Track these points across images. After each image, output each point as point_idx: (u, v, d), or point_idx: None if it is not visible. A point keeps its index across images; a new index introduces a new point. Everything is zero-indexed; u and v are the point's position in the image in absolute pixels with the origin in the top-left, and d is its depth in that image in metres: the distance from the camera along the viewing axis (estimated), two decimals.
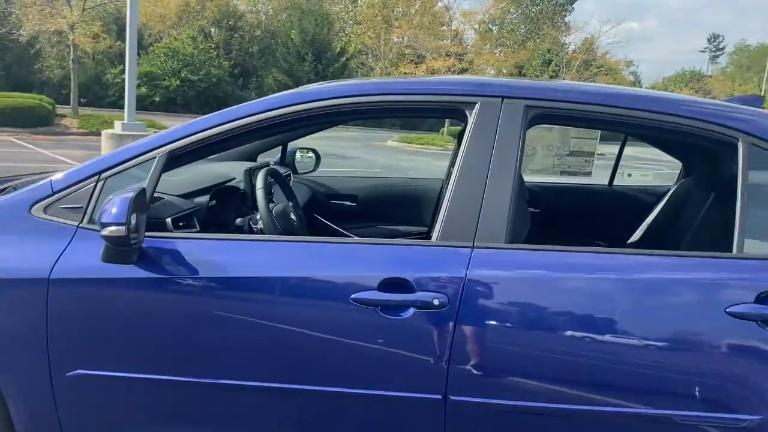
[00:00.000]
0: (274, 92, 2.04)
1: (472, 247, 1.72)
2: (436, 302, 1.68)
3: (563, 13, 41.65)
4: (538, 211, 3.08)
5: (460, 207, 1.77)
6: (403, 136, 24.55)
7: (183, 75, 29.31)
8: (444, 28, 31.01)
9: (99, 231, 1.65)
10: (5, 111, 16.29)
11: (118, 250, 1.69)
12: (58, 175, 1.92)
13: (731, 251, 1.73)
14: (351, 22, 37.28)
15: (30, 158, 11.71)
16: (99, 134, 12.75)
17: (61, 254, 1.79)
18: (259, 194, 2.10)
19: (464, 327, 1.68)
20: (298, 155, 3.58)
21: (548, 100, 1.85)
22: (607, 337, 1.67)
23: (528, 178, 2.92)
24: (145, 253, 1.77)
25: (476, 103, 1.85)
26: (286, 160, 3.49)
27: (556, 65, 34.38)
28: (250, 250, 1.82)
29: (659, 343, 1.67)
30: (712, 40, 61.88)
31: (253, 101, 1.94)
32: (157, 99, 28.88)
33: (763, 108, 1.94)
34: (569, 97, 1.86)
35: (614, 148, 3.64)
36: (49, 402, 1.82)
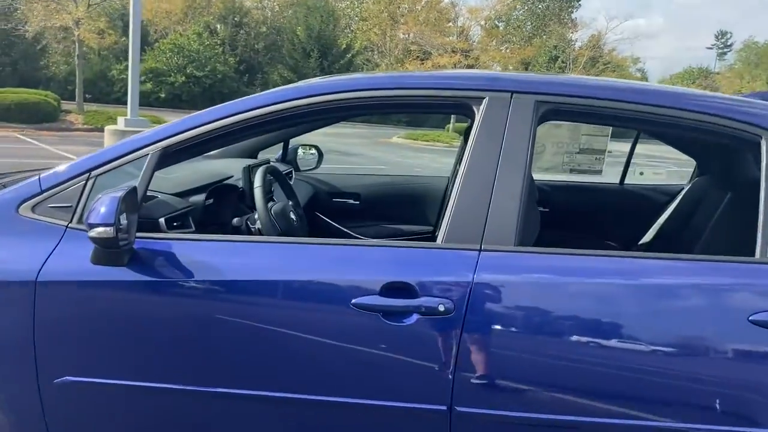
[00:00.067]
0: None
1: (480, 250, 1.63)
2: (441, 308, 1.59)
3: (570, 10, 41.42)
4: (547, 210, 2.99)
5: (466, 207, 1.68)
6: (409, 133, 24.45)
7: (188, 71, 29.29)
8: (450, 24, 30.89)
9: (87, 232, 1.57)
10: (10, 107, 16.29)
11: (108, 251, 1.61)
12: (47, 173, 1.84)
13: (753, 255, 1.64)
14: (357, 18, 37.16)
15: (34, 154, 11.67)
16: (104, 130, 12.73)
17: (49, 255, 1.71)
18: (258, 193, 2.01)
19: (471, 334, 1.59)
20: (300, 152, 3.50)
21: (560, 95, 1.76)
22: (623, 346, 1.58)
23: (537, 177, 2.83)
24: (137, 254, 1.69)
25: (484, 98, 1.76)
26: (288, 157, 3.40)
27: (562, 62, 34.17)
28: (246, 252, 1.73)
29: (678, 353, 1.58)
30: (720, 36, 61.40)
31: (253, 95, 1.86)
32: (163, 95, 28.86)
33: None
34: (582, 92, 1.76)
35: (623, 146, 3.54)
36: (37, 410, 1.75)
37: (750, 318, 1.54)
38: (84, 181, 1.78)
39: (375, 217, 3.33)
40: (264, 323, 1.66)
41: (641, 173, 3.30)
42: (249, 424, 1.73)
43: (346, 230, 3.22)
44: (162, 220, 1.87)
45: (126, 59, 14.30)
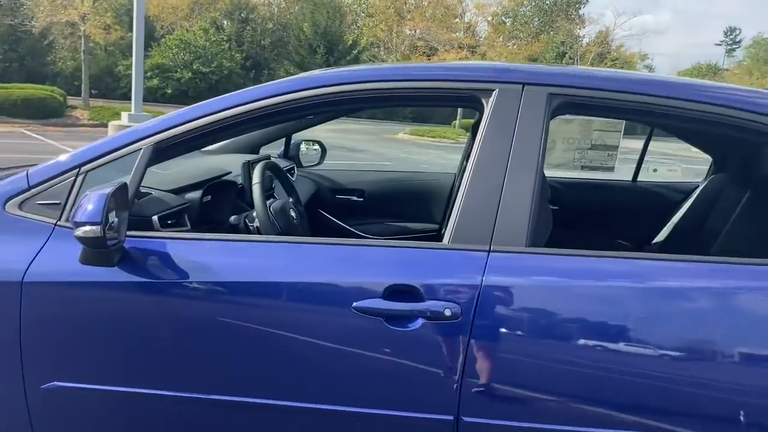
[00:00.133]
0: None
1: (489, 251, 1.54)
2: (447, 312, 1.50)
3: (577, 6, 41.08)
4: (557, 208, 2.89)
5: (475, 206, 1.59)
6: (415, 129, 24.33)
7: (195, 67, 29.25)
8: (457, 20, 30.73)
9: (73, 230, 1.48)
10: (17, 102, 16.31)
11: (96, 251, 1.53)
12: (35, 168, 1.76)
13: None
14: (363, 14, 37.03)
15: (39, 149, 11.64)
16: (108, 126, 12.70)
17: (37, 255, 1.63)
18: (256, 190, 1.93)
19: (479, 340, 1.50)
20: (303, 147, 3.41)
21: (574, 87, 1.66)
22: (644, 354, 1.48)
23: (547, 173, 2.73)
24: (128, 254, 1.61)
25: (493, 90, 1.66)
26: (290, 152, 3.31)
27: (570, 58, 33.94)
28: (242, 252, 1.65)
29: (701, 362, 1.49)
30: (729, 33, 60.84)
31: (252, 87, 1.77)
32: (169, 91, 28.85)
33: None
34: (598, 84, 1.67)
35: (634, 143, 3.44)
36: (24, 416, 1.67)
37: None
38: (73, 177, 1.70)
39: (379, 215, 3.24)
40: (260, 327, 1.57)
41: (655, 170, 3.19)
42: None
43: (349, 228, 3.14)
44: (155, 218, 1.78)
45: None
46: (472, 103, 1.75)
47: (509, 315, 1.51)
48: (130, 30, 22.86)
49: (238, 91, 1.78)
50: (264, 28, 35.20)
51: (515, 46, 34.20)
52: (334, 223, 3.15)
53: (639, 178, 3.10)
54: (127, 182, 1.61)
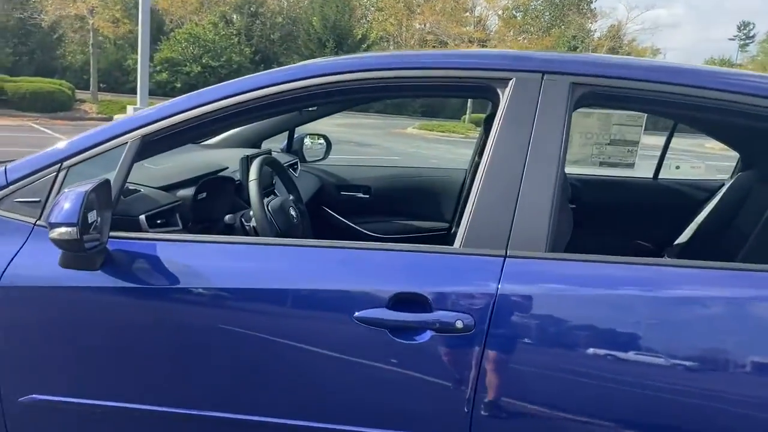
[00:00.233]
0: None
1: (505, 256, 1.40)
2: (459, 324, 1.36)
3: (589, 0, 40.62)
4: (573, 206, 2.74)
5: (489, 206, 1.44)
6: (424, 123, 24.13)
7: (204, 61, 29.14)
8: (467, 14, 30.46)
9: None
10: (25, 96, 16.29)
11: (76, 254, 1.40)
12: (14, 164, 1.64)
13: None
14: (372, 8, 36.80)
15: (47, 143, 11.53)
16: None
17: (14, 257, 1.51)
18: (253, 187, 1.79)
19: (494, 355, 1.36)
20: (307, 141, 3.27)
21: (599, 76, 1.51)
22: (676, 369, 1.34)
23: None
24: (111, 257, 1.48)
25: (510, 79, 1.52)
26: (294, 146, 3.17)
27: (581, 52, 33.58)
28: (233, 256, 1.51)
29: (741, 380, 1.34)
30: (742, 27, 60.00)
31: (249, 76, 1.64)
32: (179, 85, 28.73)
33: None
34: (625, 73, 1.51)
35: (651, 139, 3.27)
36: (1, 431, 1.55)
37: None
38: (55, 173, 1.58)
39: (386, 212, 3.10)
40: (252, 339, 1.44)
41: (677, 167, 3.03)
42: None
43: (354, 226, 3.00)
44: (143, 217, 1.66)
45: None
46: (486, 93, 1.61)
47: (527, 328, 1.37)
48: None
49: (232, 81, 1.65)
50: (273, 22, 35.04)
51: (526, 41, 33.88)
52: (339, 221, 3.01)
53: (660, 176, 2.94)
54: (111, 179, 1.48)
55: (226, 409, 1.48)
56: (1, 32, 23.58)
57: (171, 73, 28.70)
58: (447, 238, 2.97)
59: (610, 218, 2.80)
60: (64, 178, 1.57)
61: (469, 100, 23.64)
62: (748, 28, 59.70)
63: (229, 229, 1.90)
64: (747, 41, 59.10)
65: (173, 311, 1.48)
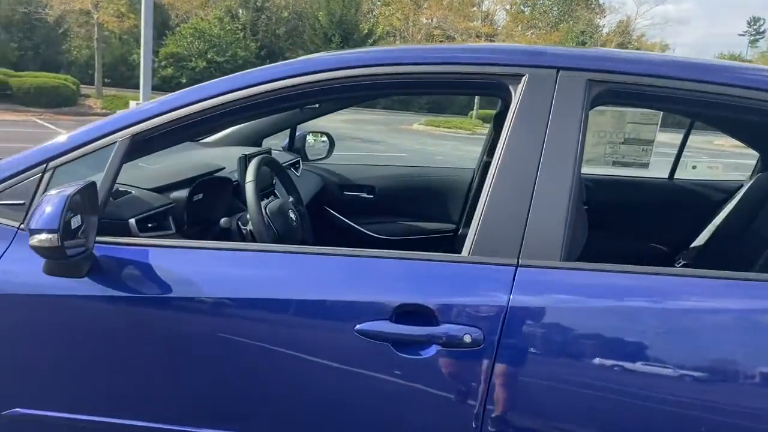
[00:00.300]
0: None
1: (517, 265, 1.30)
2: (467, 339, 1.26)
3: None
4: (585, 207, 2.64)
5: (500, 212, 1.35)
6: (430, 120, 24.01)
7: (209, 56, 29.07)
8: (474, 8, 30.28)
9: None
10: (29, 91, 16.28)
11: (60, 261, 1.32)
12: None
13: None
14: (379, 3, 36.63)
15: (48, 139, 11.51)
16: None
17: None
18: (249, 188, 1.70)
19: (504, 372, 1.27)
20: (309, 139, 3.17)
21: (618, 73, 1.41)
22: (701, 386, 1.25)
23: None
24: (99, 263, 1.39)
25: (523, 75, 1.42)
26: (296, 145, 3.08)
27: (590, 48, 33.33)
28: (228, 263, 1.42)
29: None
30: (752, 23, 59.47)
31: (248, 71, 1.55)
32: (184, 80, 28.67)
33: None
34: (646, 69, 1.41)
35: (665, 137, 3.16)
36: None
37: None
38: (40, 174, 1.49)
39: (391, 213, 3.00)
40: (248, 352, 1.35)
41: (694, 167, 2.92)
42: None
43: (357, 227, 2.91)
44: (133, 221, 1.57)
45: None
46: (496, 90, 1.51)
47: (540, 342, 1.27)
48: None
49: (232, 75, 1.56)
50: (279, 17, 34.92)
51: (534, 36, 33.68)
52: (342, 222, 2.92)
53: (676, 176, 2.83)
54: (96, 181, 1.39)
55: (221, 425, 1.39)
56: (6, 27, 23.58)
57: (176, 68, 28.65)
58: (454, 239, 2.87)
59: (623, 220, 2.70)
60: (49, 180, 1.49)
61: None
62: (758, 24, 59.19)
63: (225, 233, 1.81)
64: (757, 37, 58.60)
65: (163, 321, 1.39)
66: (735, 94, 1.38)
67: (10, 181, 1.49)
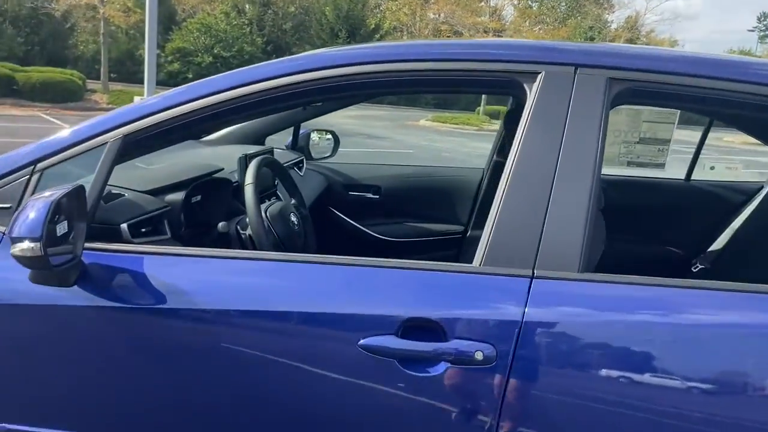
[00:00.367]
0: None
1: (532, 277, 1.22)
2: (478, 356, 1.18)
3: None
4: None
5: (514, 219, 1.26)
6: (437, 116, 23.84)
7: (216, 51, 29.00)
8: (482, 3, 30.07)
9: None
10: (35, 86, 16.25)
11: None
12: None
13: None
14: None
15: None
16: None
17: None
18: (249, 191, 1.62)
19: (518, 392, 1.19)
20: (313, 137, 3.08)
21: (642, 71, 1.32)
22: (735, 405, 1.16)
23: None
24: (88, 272, 1.32)
25: (539, 73, 1.33)
26: (299, 143, 2.99)
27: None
28: (225, 271, 1.34)
29: None
30: (762, 18, 58.89)
31: (249, 67, 1.46)
32: (190, 75, 28.60)
33: None
34: (672, 67, 1.32)
35: (682, 134, 3.06)
36: None
37: None
38: (27, 176, 1.42)
39: (397, 214, 2.91)
40: (246, 368, 1.28)
41: (712, 168, 2.81)
42: None
43: (362, 228, 2.82)
44: (125, 225, 1.49)
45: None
46: (510, 89, 1.43)
47: (558, 360, 1.19)
48: None
49: (226, 73, 1.48)
50: (285, 12, 34.78)
51: (542, 31, 33.44)
52: (346, 223, 2.84)
53: (693, 177, 2.73)
54: (84, 184, 1.31)
55: None
56: (13, 22, 23.55)
57: (183, 63, 28.59)
58: (462, 241, 2.78)
59: (637, 222, 2.60)
60: (37, 182, 1.41)
61: None
62: (767, 20, 58.61)
63: (223, 238, 1.73)
64: (766, 32, 58.04)
65: (156, 333, 1.31)
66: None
67: None
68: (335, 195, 2.88)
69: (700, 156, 2.68)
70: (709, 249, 2.51)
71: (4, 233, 1.37)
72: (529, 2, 37.07)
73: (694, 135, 2.86)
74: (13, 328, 1.36)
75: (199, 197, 1.81)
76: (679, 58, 1.37)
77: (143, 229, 1.55)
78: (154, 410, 1.35)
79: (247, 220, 1.64)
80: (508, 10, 34.26)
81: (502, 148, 2.57)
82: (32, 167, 1.42)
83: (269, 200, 2.05)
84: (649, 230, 2.61)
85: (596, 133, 1.29)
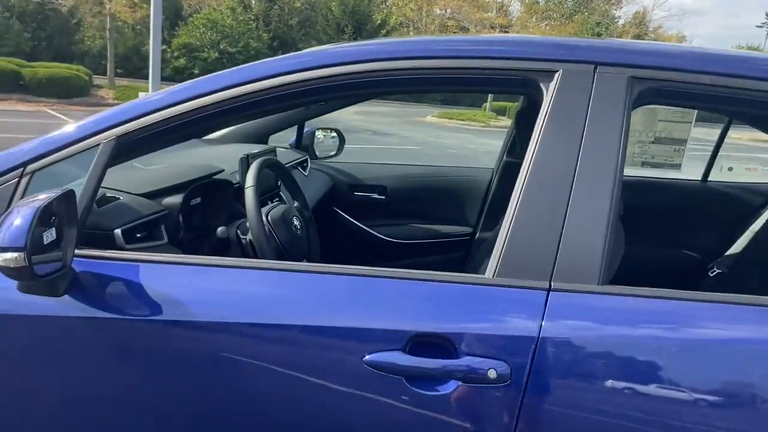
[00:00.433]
0: None
1: (549, 289, 1.14)
2: (491, 374, 1.11)
3: None
4: None
5: (530, 226, 1.18)
6: (443, 112, 23.75)
7: (222, 47, 28.97)
8: None
9: None
10: (41, 81, 16.25)
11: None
12: None
13: None
14: None
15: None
16: None
17: None
18: (249, 194, 1.54)
19: (534, 413, 1.11)
20: (318, 135, 3.01)
21: (667, 69, 1.24)
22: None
23: None
24: (79, 280, 1.25)
25: (556, 71, 1.25)
26: (303, 142, 2.91)
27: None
28: (221, 281, 1.26)
29: None
30: None
31: (251, 64, 1.39)
32: (196, 71, 28.57)
33: None
34: (700, 66, 1.24)
35: (700, 131, 2.97)
36: None
37: None
38: (17, 179, 1.35)
39: (404, 215, 2.84)
40: (242, 384, 1.21)
41: (730, 168, 2.72)
42: None
43: (368, 229, 2.75)
44: (119, 231, 1.42)
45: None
46: (524, 88, 1.35)
47: (577, 379, 1.11)
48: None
49: (227, 71, 1.40)
50: (292, 8, 34.70)
51: (548, 27, 33.25)
52: (352, 224, 2.77)
53: (710, 178, 2.64)
54: (78, 187, 1.25)
55: None
56: (20, 17, 23.58)
57: (189, 59, 28.57)
58: (470, 244, 2.71)
59: (652, 225, 2.52)
60: (27, 185, 1.34)
61: None
62: None
63: (223, 244, 1.65)
64: None
65: (149, 346, 1.24)
66: None
67: None
68: (340, 195, 2.81)
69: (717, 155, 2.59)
70: (727, 253, 2.43)
71: None
72: None
73: (703, 132, 2.77)
74: (4, 339, 1.29)
75: (198, 200, 1.74)
76: (708, 56, 1.28)
77: (138, 235, 1.48)
78: (149, 427, 1.28)
79: (248, 224, 1.56)
80: (515, 5, 34.08)
81: (513, 147, 2.49)
82: (22, 169, 1.35)
83: (272, 202, 1.98)
84: (665, 233, 2.53)
85: (617, 136, 1.21)
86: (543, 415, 1.12)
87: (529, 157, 1.22)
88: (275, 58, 1.38)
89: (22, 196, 1.32)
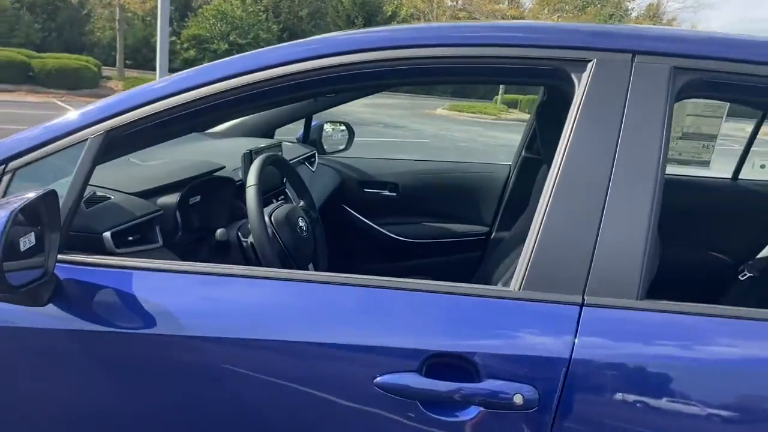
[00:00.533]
0: None
1: (582, 305, 1.02)
2: (517, 399, 0.99)
3: None
4: None
5: (561, 234, 1.06)
6: (454, 105, 23.57)
7: (231, 38, 28.90)
8: None
9: None
10: (51, 73, 16.25)
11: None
12: None
13: None
14: None
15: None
16: None
17: None
18: (251, 194, 1.43)
19: None
20: (327, 128, 2.88)
21: (714, 59, 1.11)
22: None
23: None
24: (64, 289, 1.14)
25: (589, 61, 1.13)
26: (311, 136, 2.80)
27: None
28: (218, 290, 1.15)
29: None
30: None
31: (255, 51, 1.27)
32: (206, 62, 28.56)
33: None
34: (753, 55, 1.11)
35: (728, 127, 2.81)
36: None
37: None
38: None
39: (416, 213, 2.72)
40: (240, 403, 1.09)
41: (762, 166, 2.58)
42: None
43: (379, 228, 2.64)
44: (108, 234, 1.31)
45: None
46: (552, 79, 1.22)
47: (614, 406, 0.99)
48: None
49: (226, 60, 1.28)
50: None
51: (560, 19, 32.90)
52: (361, 222, 2.65)
53: (741, 176, 2.50)
54: (59, 188, 1.14)
55: None
56: (30, 8, 23.59)
57: (198, 50, 28.54)
58: (486, 243, 2.58)
59: (679, 225, 2.38)
60: (8, 184, 1.23)
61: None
62: None
63: (222, 247, 1.54)
64: None
65: (140, 362, 1.13)
66: None
67: None
68: (349, 192, 2.69)
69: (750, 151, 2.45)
70: (758, 256, 2.29)
71: None
72: None
73: (731, 126, 2.62)
74: None
75: (197, 199, 1.63)
76: (764, 45, 1.15)
77: (131, 237, 1.37)
78: None
79: (249, 226, 1.45)
80: None
81: (532, 142, 2.36)
82: (3, 167, 1.24)
83: (276, 201, 1.87)
84: (692, 234, 2.40)
85: (658, 133, 1.09)
86: None
87: (559, 157, 1.10)
88: (283, 44, 1.26)
89: (3, 195, 1.21)
